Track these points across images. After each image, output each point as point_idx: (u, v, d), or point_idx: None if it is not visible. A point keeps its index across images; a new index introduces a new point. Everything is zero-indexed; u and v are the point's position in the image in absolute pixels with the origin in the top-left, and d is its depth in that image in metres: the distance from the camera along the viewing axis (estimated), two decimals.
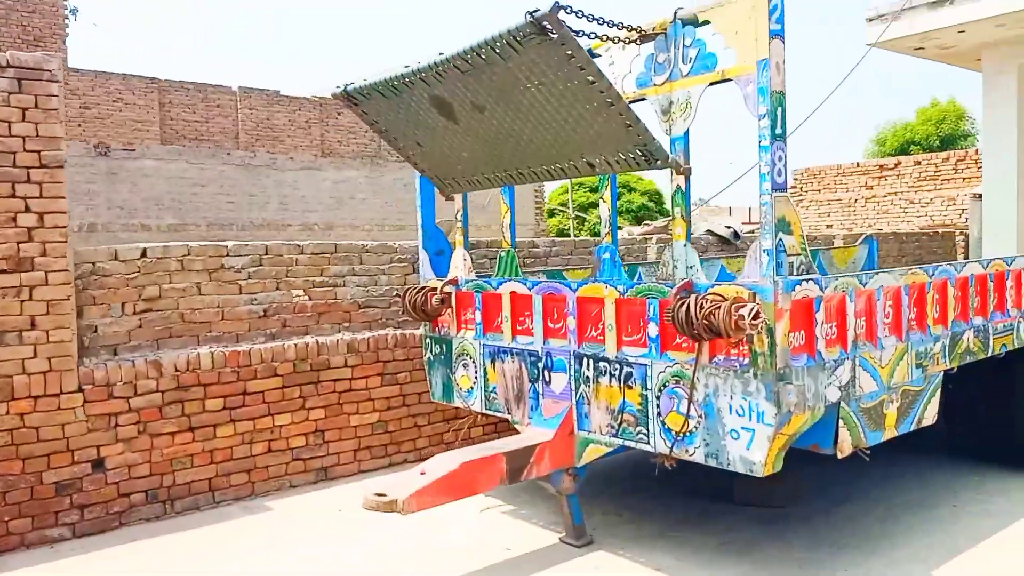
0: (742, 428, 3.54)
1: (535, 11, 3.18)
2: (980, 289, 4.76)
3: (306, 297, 5.83)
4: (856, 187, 17.57)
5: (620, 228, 17.32)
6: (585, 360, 4.28)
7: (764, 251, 3.40)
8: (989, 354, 4.88)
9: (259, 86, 20.74)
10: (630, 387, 4.04)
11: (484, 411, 5.06)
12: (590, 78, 3.35)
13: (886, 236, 10.93)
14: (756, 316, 3.29)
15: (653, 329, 3.90)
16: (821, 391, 3.62)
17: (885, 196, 17.07)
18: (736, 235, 8.78)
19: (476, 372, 5.06)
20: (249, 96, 20.23)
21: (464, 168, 4.63)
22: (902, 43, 10.15)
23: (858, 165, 17.84)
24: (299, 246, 5.82)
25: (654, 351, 3.90)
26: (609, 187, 4.80)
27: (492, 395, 4.94)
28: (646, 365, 3.95)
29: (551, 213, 29.31)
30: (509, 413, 4.83)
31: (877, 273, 4.05)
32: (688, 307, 3.49)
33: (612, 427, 4.17)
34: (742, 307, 3.33)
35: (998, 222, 9.49)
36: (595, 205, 34.53)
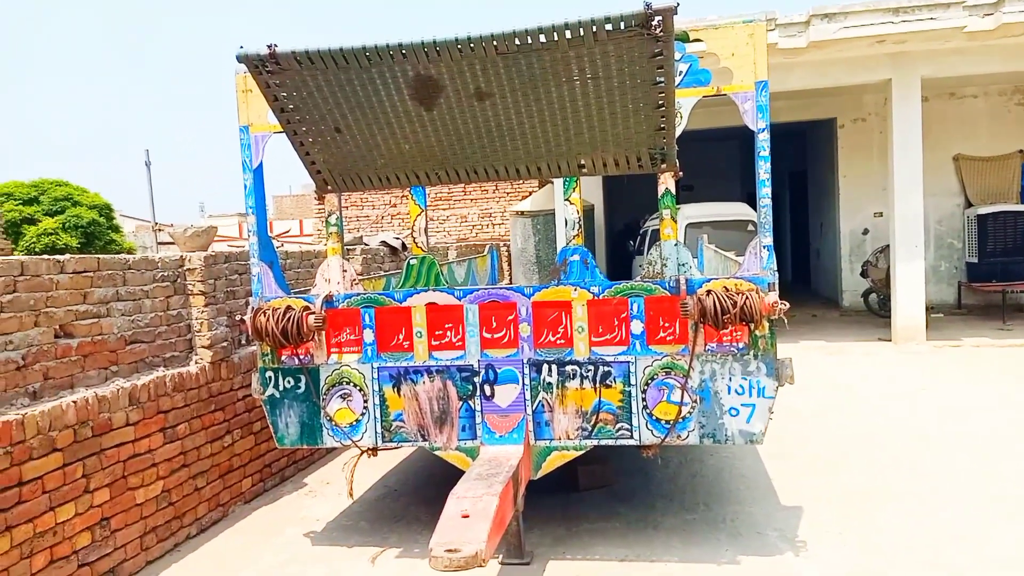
0: (741, 405, 3.98)
1: (651, 4, 3.11)
2: None
3: (65, 334, 4.09)
4: (382, 204, 19.01)
5: (66, 246, 14.80)
6: (545, 366, 4.14)
7: (764, 247, 3.91)
8: None
9: None
10: (608, 386, 4.08)
11: (378, 445, 4.37)
12: (661, 79, 3.40)
13: (474, 245, 12.38)
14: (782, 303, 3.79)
15: (637, 326, 4.04)
16: None
17: (408, 212, 18.85)
18: (404, 246, 8.91)
19: (366, 401, 4.33)
20: None
21: (388, 162, 3.99)
22: None
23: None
24: (59, 262, 4.05)
25: (638, 347, 4.04)
26: (578, 189, 4.61)
27: (396, 423, 4.31)
28: (628, 362, 4.06)
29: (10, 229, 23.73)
30: (426, 440, 4.29)
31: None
32: (718, 298, 3.78)
33: (584, 429, 4.13)
34: (767, 296, 3.78)
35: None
36: (30, 221, 29.12)
